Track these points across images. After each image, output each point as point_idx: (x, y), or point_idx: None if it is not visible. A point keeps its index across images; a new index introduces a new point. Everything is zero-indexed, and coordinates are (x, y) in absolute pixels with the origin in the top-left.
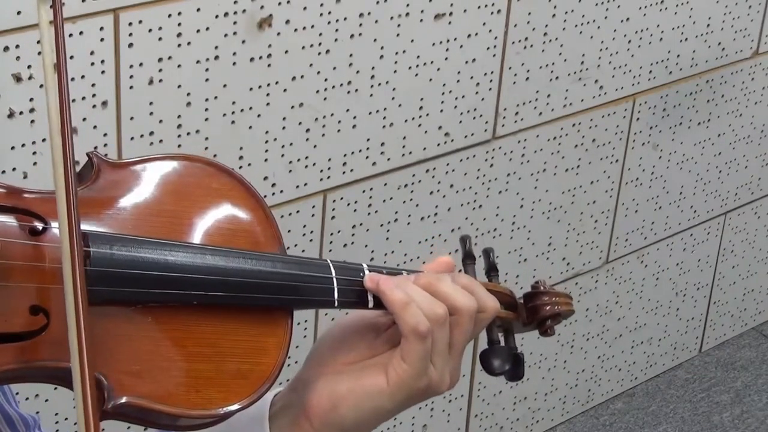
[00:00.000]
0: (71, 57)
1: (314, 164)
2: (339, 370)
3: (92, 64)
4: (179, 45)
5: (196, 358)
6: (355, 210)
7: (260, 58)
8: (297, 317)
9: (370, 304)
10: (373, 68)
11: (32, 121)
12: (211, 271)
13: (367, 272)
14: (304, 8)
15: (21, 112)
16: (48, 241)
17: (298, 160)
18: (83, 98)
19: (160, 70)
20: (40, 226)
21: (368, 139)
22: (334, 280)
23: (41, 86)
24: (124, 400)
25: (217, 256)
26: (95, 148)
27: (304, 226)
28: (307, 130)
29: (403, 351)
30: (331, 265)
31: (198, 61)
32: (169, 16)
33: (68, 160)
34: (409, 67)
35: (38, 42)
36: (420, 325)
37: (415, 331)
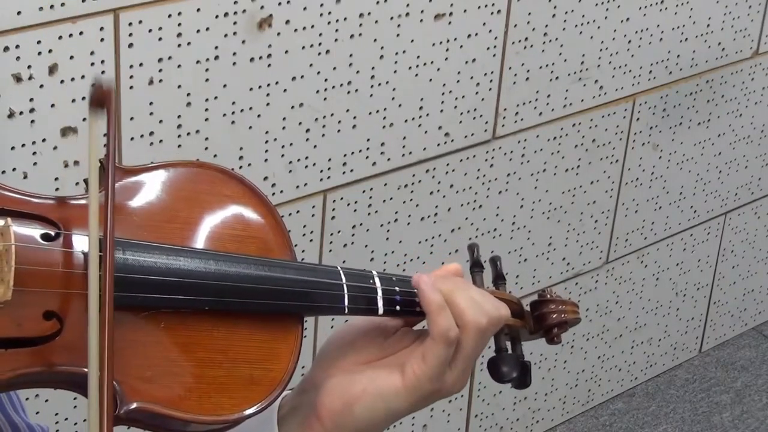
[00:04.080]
0: (71, 57)
1: (314, 164)
2: (350, 371)
3: (92, 64)
4: (179, 45)
5: (207, 364)
6: (355, 210)
7: (260, 58)
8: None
9: (380, 311)
10: (373, 68)
11: (32, 121)
12: (223, 277)
13: (377, 279)
14: (304, 8)
15: (21, 112)
16: (64, 247)
17: (298, 160)
18: (83, 98)
19: (160, 70)
20: (53, 232)
21: (368, 139)
22: (345, 286)
23: (41, 86)
24: (135, 405)
25: (229, 263)
26: None
27: (304, 226)
28: (307, 130)
29: (427, 351)
30: (341, 271)
31: (198, 61)
32: (169, 16)
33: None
34: (409, 67)
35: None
36: (450, 332)
37: (445, 335)
